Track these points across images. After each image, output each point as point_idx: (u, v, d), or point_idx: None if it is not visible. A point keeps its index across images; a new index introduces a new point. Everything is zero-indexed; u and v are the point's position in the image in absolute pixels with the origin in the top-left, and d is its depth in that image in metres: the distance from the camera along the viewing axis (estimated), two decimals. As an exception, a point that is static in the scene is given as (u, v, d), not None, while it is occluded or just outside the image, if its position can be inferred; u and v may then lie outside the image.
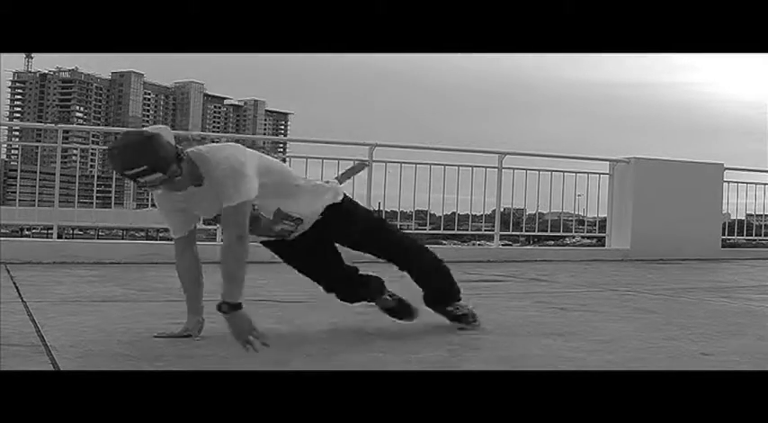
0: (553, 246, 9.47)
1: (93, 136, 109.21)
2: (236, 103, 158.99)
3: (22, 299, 3.69)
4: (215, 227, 6.99)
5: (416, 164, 7.57)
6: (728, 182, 8.98)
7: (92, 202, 7.38)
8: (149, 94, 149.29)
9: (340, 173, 3.19)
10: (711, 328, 3.25)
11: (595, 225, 9.06)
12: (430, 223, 8.32)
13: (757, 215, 10.06)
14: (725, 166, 8.97)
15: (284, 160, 7.43)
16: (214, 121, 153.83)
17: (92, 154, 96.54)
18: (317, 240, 2.82)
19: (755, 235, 9.93)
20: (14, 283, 4.37)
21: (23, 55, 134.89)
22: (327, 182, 2.93)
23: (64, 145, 7.05)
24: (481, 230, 9.49)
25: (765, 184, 9.40)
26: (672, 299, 4.48)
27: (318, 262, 2.89)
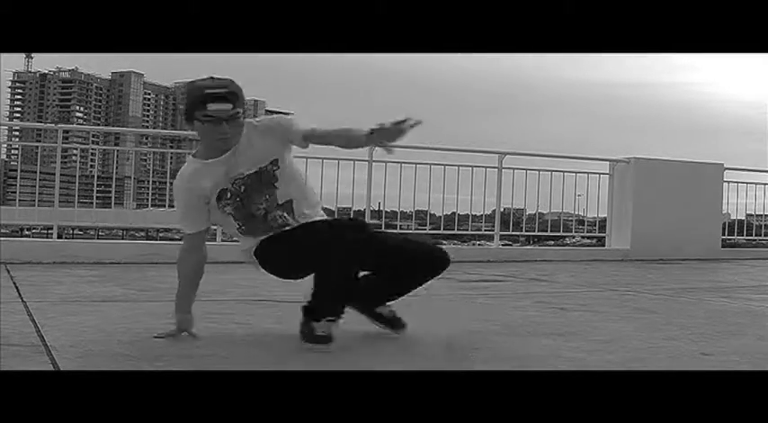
0: (553, 246, 9.47)
1: (94, 136, 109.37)
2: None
3: (22, 299, 3.69)
4: (215, 227, 6.99)
5: (416, 164, 7.57)
6: (728, 182, 8.98)
7: (92, 202, 7.38)
8: (149, 94, 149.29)
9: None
10: (711, 328, 3.25)
11: (595, 225, 9.06)
12: (430, 223, 8.32)
13: (757, 215, 10.07)
14: (725, 166, 8.97)
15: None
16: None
17: (92, 154, 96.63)
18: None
19: (755, 235, 9.94)
20: (14, 283, 4.37)
21: (23, 55, 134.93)
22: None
23: (64, 145, 7.06)
24: (481, 230, 9.49)
25: (765, 184, 9.41)
26: (672, 299, 4.48)
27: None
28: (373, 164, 7.34)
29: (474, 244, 9.77)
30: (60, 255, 6.05)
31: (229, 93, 2.52)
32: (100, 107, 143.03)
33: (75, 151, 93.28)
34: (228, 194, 2.64)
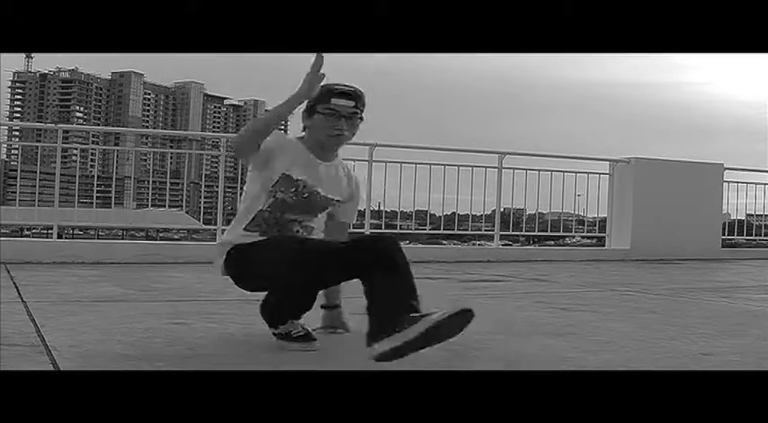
0: (553, 246, 9.49)
1: (94, 136, 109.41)
2: (236, 103, 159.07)
3: (22, 299, 3.70)
4: (215, 227, 7.01)
5: (416, 164, 7.58)
6: (728, 182, 8.99)
7: (92, 202, 7.39)
8: (149, 94, 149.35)
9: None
10: (711, 328, 3.25)
11: (595, 225, 9.07)
12: (430, 223, 8.33)
13: (757, 215, 10.08)
14: (725, 166, 8.98)
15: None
16: (214, 121, 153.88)
17: (92, 154, 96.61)
18: None
19: (755, 235, 9.95)
20: (14, 283, 4.38)
21: (23, 55, 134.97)
22: None
23: (64, 145, 7.06)
24: (481, 230, 9.50)
25: (765, 184, 9.42)
26: (672, 299, 4.48)
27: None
28: (373, 164, 7.35)
29: (474, 244, 9.78)
30: (60, 255, 6.05)
31: (355, 93, 2.67)
32: (100, 107, 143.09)
33: (75, 151, 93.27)
34: (295, 188, 2.64)
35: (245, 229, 2.65)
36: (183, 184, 15.70)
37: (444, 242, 9.58)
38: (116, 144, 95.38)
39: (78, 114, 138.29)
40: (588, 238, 9.51)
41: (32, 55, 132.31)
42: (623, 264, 7.48)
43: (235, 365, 2.31)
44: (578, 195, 8.68)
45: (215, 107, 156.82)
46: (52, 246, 6.26)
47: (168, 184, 10.70)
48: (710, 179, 8.79)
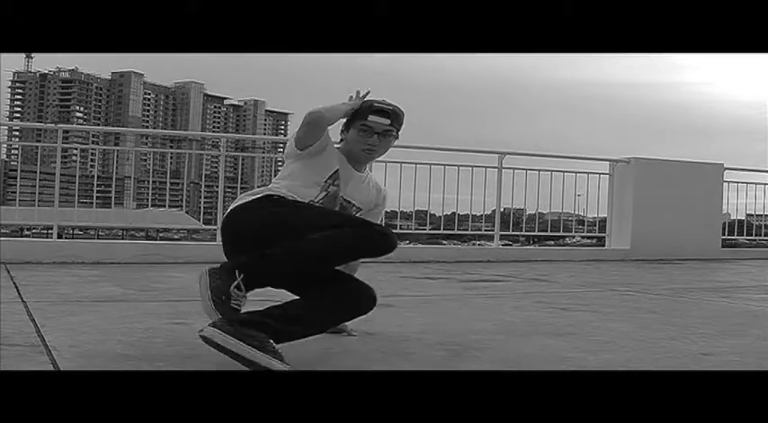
0: (553, 246, 9.49)
1: (94, 136, 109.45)
2: (236, 103, 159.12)
3: (22, 299, 3.70)
4: (215, 227, 7.00)
5: (416, 164, 7.57)
6: (728, 182, 8.99)
7: (92, 202, 7.39)
8: (149, 94, 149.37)
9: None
10: (711, 328, 3.25)
11: (595, 225, 9.07)
12: (430, 223, 8.33)
13: (757, 215, 10.08)
14: (725, 166, 8.98)
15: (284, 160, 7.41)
16: (214, 121, 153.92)
17: (92, 154, 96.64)
18: None
19: (755, 235, 9.95)
20: (14, 283, 4.38)
21: (23, 55, 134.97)
22: None
23: (64, 145, 7.06)
24: (481, 230, 9.50)
25: (765, 184, 9.42)
26: (672, 299, 4.48)
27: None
28: (373, 164, 7.33)
29: (474, 244, 9.78)
30: (60, 255, 6.05)
31: (393, 111, 2.73)
32: (100, 107, 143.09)
33: (75, 151, 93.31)
34: (324, 193, 2.67)
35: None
36: (183, 184, 15.71)
37: (444, 242, 9.59)
38: (116, 144, 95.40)
39: (78, 114, 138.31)
40: (588, 238, 9.52)
41: (32, 55, 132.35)
42: (623, 264, 7.48)
43: (235, 365, 2.31)
44: (578, 195, 8.69)
45: (215, 107, 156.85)
46: (52, 246, 6.26)
47: (168, 184, 10.72)
48: (711, 179, 8.79)
